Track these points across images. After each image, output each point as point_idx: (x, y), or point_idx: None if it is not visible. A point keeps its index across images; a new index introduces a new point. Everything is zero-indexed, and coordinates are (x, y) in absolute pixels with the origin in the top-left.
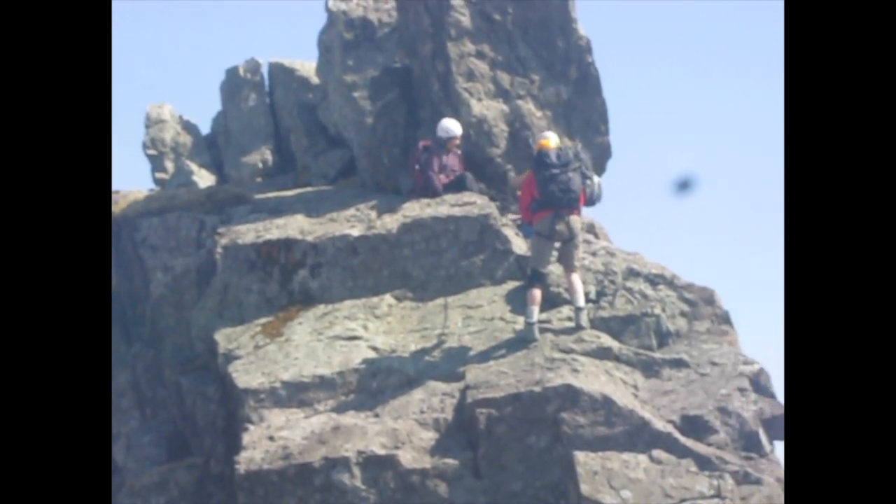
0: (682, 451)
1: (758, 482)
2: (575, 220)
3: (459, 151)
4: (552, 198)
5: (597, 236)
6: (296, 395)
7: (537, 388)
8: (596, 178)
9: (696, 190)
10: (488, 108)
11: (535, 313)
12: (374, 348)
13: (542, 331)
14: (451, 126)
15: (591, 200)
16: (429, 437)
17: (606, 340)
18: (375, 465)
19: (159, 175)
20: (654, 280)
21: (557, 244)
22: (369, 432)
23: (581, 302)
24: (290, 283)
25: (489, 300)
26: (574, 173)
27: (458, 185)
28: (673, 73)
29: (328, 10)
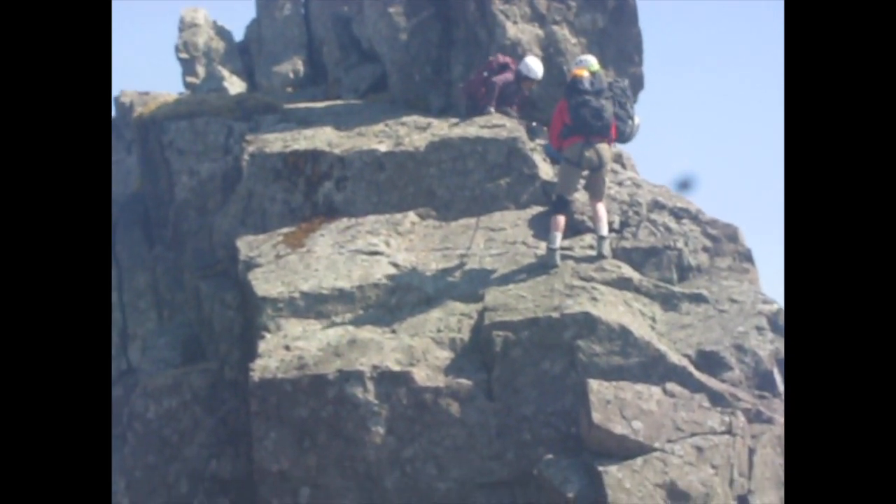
0: (695, 386)
1: (769, 421)
2: (604, 149)
3: (527, 93)
4: (583, 124)
5: (624, 166)
6: (314, 306)
7: (555, 314)
8: (636, 119)
9: (696, 189)
10: (523, 32)
11: (558, 239)
12: (395, 265)
13: (564, 258)
14: (535, 67)
15: (625, 138)
16: (444, 356)
17: (627, 271)
18: (389, 381)
19: (190, 79)
20: (678, 214)
21: (585, 172)
22: (385, 348)
23: (604, 231)
24: (314, 194)
25: (512, 224)
26: (607, 101)
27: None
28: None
29: None
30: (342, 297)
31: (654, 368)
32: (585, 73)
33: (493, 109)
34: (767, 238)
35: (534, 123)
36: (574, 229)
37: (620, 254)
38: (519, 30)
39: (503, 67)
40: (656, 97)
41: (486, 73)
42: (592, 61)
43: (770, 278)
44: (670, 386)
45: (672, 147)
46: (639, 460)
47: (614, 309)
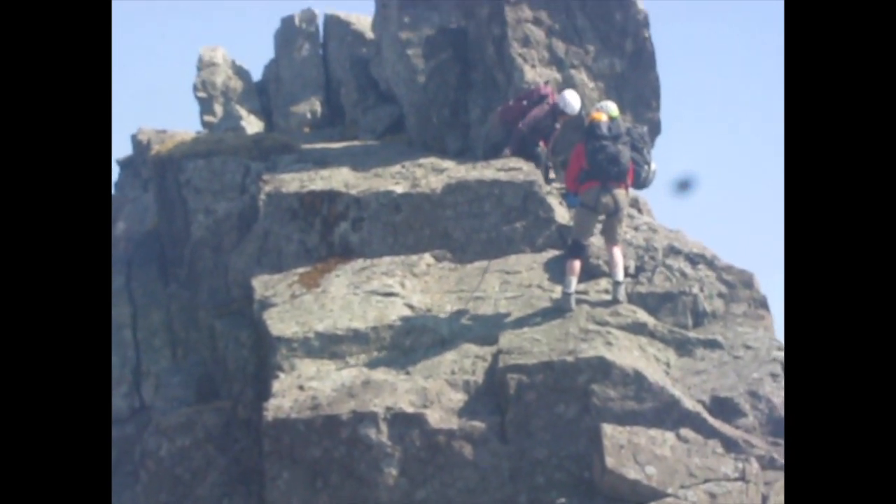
0: (709, 432)
1: (783, 468)
2: (621, 194)
3: (558, 126)
4: (600, 169)
5: (640, 211)
6: (328, 346)
7: (570, 358)
8: (653, 165)
9: (695, 190)
10: (541, 76)
11: (574, 284)
12: (410, 306)
13: (579, 302)
14: (573, 102)
15: (641, 184)
16: (458, 398)
17: (642, 316)
18: (403, 423)
19: (207, 118)
20: (694, 259)
21: (601, 217)
22: (399, 389)
23: (620, 276)
24: (330, 234)
25: (528, 267)
26: (624, 147)
27: (526, 150)
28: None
29: None
30: (357, 337)
31: (668, 414)
32: (604, 118)
33: (508, 153)
34: (783, 284)
35: (560, 159)
36: (589, 273)
37: (636, 298)
38: (537, 73)
39: (542, 99)
40: (673, 141)
41: (525, 102)
42: (612, 107)
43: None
44: (684, 431)
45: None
46: None
47: (629, 354)
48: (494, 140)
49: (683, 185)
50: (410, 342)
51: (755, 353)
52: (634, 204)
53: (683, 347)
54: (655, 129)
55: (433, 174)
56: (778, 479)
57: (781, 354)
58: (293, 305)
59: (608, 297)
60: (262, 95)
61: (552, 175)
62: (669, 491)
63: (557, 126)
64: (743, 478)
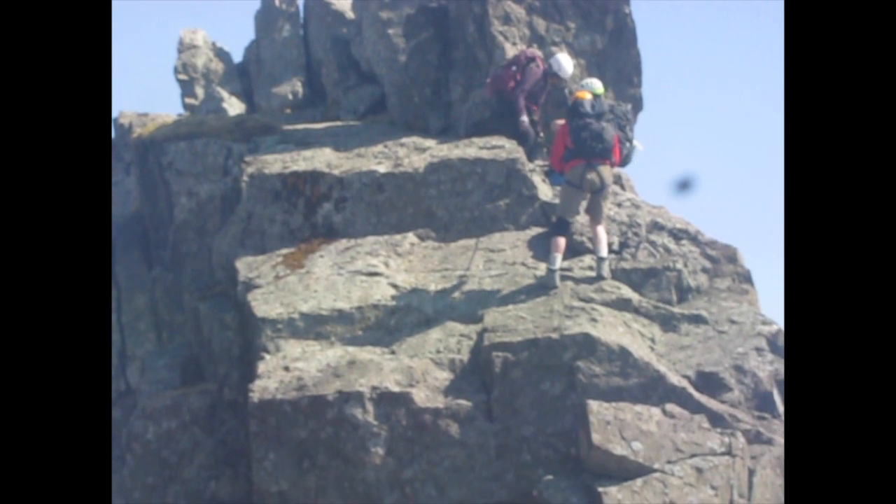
0: (695, 407)
1: (769, 442)
2: (606, 171)
3: (548, 89)
4: (584, 146)
5: (623, 188)
6: (313, 327)
7: (555, 335)
8: (636, 143)
9: (695, 189)
10: (516, 53)
11: (558, 261)
12: (395, 285)
13: (563, 279)
14: (566, 65)
15: (623, 161)
16: (443, 377)
17: (627, 292)
18: (389, 402)
19: (189, 100)
20: (677, 235)
21: (586, 194)
22: (384, 369)
23: (604, 252)
24: (313, 215)
25: (511, 245)
26: (608, 124)
27: (511, 117)
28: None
29: None
30: (341, 318)
31: (653, 389)
32: (587, 96)
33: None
34: (766, 258)
35: (552, 125)
36: (573, 250)
37: (620, 275)
38: (518, 51)
39: (530, 61)
40: (655, 115)
41: (513, 67)
42: (597, 84)
43: (769, 299)
44: (670, 407)
45: (671, 164)
46: (638, 481)
47: (614, 330)
48: (477, 118)
49: (684, 185)
50: (395, 321)
51: (740, 327)
52: (617, 180)
53: (668, 323)
54: (638, 105)
55: (416, 153)
56: (764, 454)
57: (766, 329)
58: (277, 287)
59: (592, 274)
60: (244, 77)
61: (541, 137)
62: (656, 466)
63: (548, 89)
64: (729, 452)
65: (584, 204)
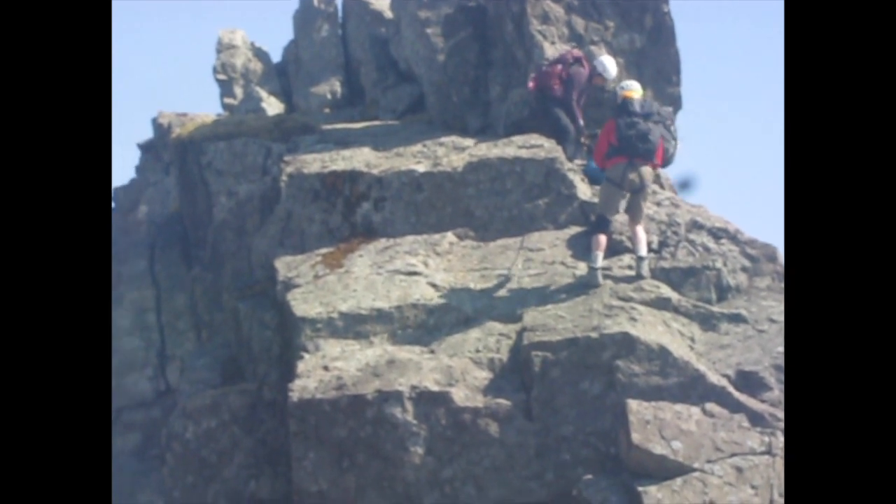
0: (735, 406)
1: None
2: (647, 172)
3: (588, 90)
4: (629, 144)
5: (662, 187)
6: (353, 326)
7: (594, 335)
8: (677, 143)
9: (696, 189)
10: (561, 52)
11: (600, 259)
12: (434, 285)
13: (603, 277)
14: (610, 67)
15: (667, 161)
16: (483, 376)
17: (666, 291)
18: (428, 401)
19: (228, 100)
20: (717, 234)
21: (626, 194)
22: (424, 368)
23: (643, 251)
24: (353, 215)
25: (551, 244)
26: (655, 125)
27: (547, 118)
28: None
29: None
30: (381, 317)
31: (693, 388)
32: (636, 96)
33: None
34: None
35: (596, 132)
36: (612, 249)
37: (659, 274)
38: (557, 50)
39: (577, 61)
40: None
41: (559, 66)
42: (637, 87)
43: None
44: (710, 406)
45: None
46: (678, 480)
47: (653, 329)
48: (516, 117)
49: (684, 185)
50: (434, 321)
51: (779, 326)
52: (657, 180)
53: (707, 322)
54: (676, 104)
55: (454, 152)
56: None
57: None
58: (317, 286)
59: (632, 273)
60: (282, 77)
61: (584, 140)
62: (696, 465)
63: (587, 91)
64: (769, 451)
65: (623, 203)
